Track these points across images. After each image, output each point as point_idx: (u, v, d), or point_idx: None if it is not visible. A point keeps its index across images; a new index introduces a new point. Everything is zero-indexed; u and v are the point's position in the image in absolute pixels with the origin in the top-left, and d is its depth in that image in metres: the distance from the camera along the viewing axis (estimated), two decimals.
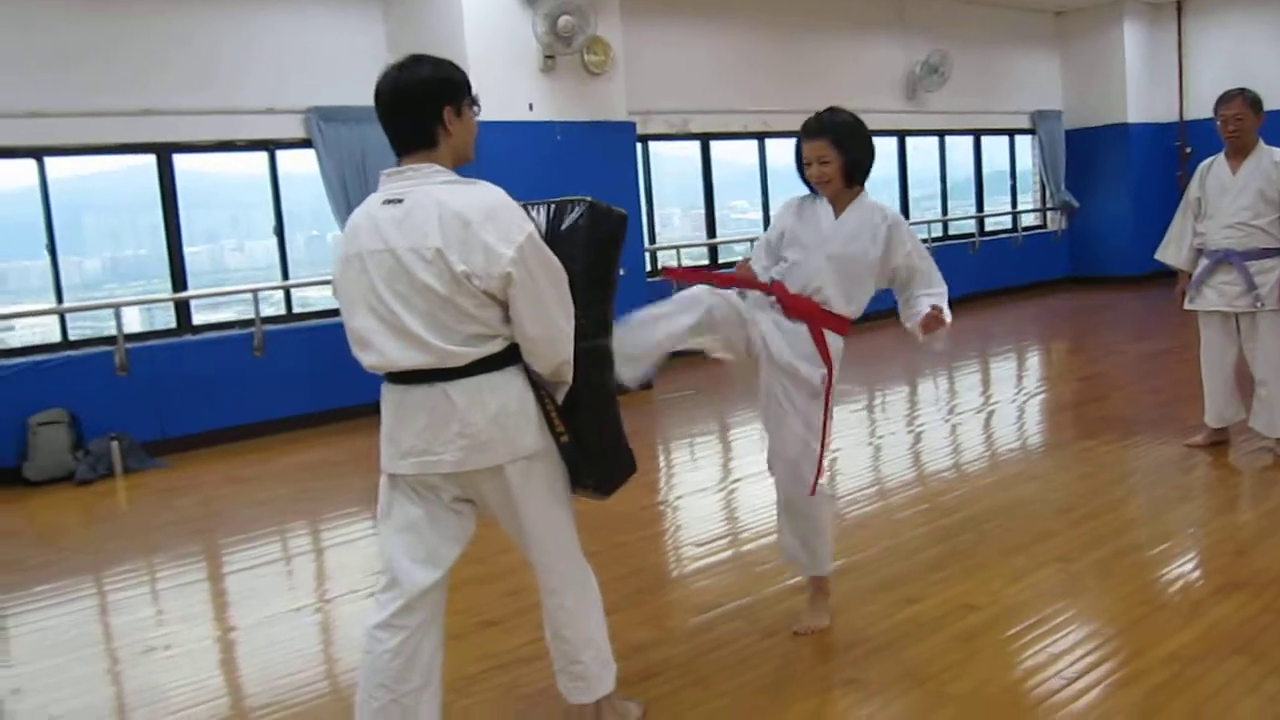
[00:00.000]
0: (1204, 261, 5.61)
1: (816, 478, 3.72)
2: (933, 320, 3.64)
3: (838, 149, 3.63)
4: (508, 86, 8.00)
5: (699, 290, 3.72)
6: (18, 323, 7.90)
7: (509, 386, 2.69)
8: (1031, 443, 6.66)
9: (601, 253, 2.88)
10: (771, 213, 11.70)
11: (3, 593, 4.94)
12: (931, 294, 3.73)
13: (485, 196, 2.63)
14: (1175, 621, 3.65)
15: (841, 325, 3.73)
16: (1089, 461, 5.80)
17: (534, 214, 2.83)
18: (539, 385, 2.75)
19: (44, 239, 7.50)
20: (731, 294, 3.74)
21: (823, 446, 3.73)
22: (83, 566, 5.32)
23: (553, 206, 2.87)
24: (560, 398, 2.79)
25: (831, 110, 3.73)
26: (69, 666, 3.98)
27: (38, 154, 7.38)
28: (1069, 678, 3.27)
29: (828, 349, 3.66)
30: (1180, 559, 4.32)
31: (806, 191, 3.83)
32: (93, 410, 7.30)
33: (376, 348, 2.66)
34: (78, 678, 3.88)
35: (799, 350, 3.67)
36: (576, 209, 2.84)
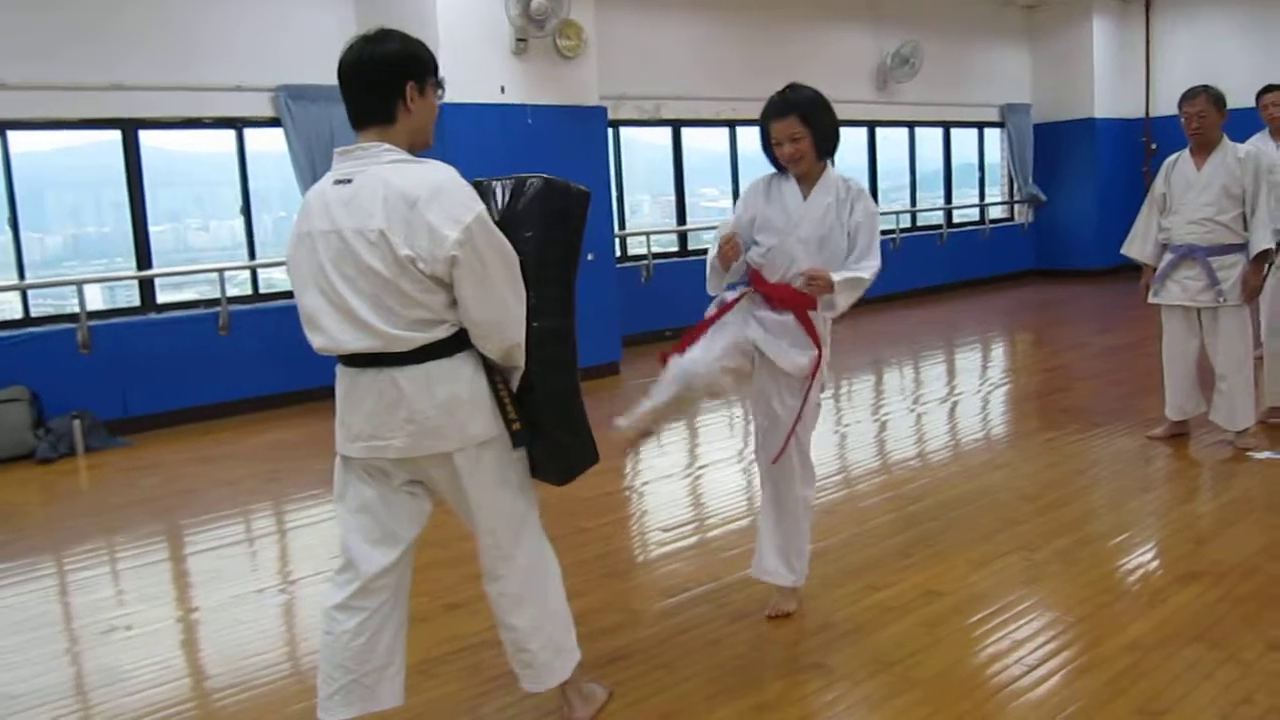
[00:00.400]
0: (1168, 256, 5.67)
1: (784, 448, 3.69)
2: (814, 278, 3.53)
3: (807, 124, 3.60)
4: (479, 68, 7.95)
5: (672, 372, 3.72)
6: None
7: (459, 373, 2.65)
8: (996, 433, 6.72)
9: (560, 231, 2.82)
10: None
11: None
12: (852, 272, 3.61)
13: (432, 175, 2.57)
14: (1135, 610, 3.70)
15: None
16: (1053, 452, 5.86)
17: (494, 191, 2.78)
18: (492, 370, 2.70)
19: (6, 213, 7.38)
20: (718, 339, 3.69)
21: (798, 420, 3.68)
22: (42, 546, 5.26)
23: (510, 184, 2.81)
24: (515, 383, 2.74)
25: (793, 87, 3.70)
26: (28, 646, 3.93)
27: (1, 127, 7.26)
28: (1031, 664, 3.31)
29: (815, 331, 3.66)
30: (1141, 548, 4.37)
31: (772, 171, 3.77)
32: (54, 388, 7.21)
33: (324, 329, 2.63)
34: (37, 657, 3.83)
35: (790, 340, 3.66)
36: (533, 185, 2.79)
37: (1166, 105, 13.72)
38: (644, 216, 11.59)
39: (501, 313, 2.61)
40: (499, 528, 2.81)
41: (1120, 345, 9.26)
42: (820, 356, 3.67)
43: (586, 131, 8.74)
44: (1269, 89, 6.69)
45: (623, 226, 10.64)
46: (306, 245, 2.63)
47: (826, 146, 3.69)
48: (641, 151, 11.16)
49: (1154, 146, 14.24)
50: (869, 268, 3.63)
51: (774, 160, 3.72)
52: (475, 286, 2.55)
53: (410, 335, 2.58)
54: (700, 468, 6.09)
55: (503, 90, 8.18)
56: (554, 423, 2.81)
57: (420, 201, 2.50)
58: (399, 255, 2.50)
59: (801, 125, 3.60)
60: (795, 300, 3.65)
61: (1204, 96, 5.50)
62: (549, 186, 2.79)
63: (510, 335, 2.65)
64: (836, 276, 3.54)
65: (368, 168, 2.58)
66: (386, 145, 2.62)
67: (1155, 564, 4.20)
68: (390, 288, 2.54)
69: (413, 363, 2.60)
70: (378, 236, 2.51)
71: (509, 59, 8.21)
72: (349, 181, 2.58)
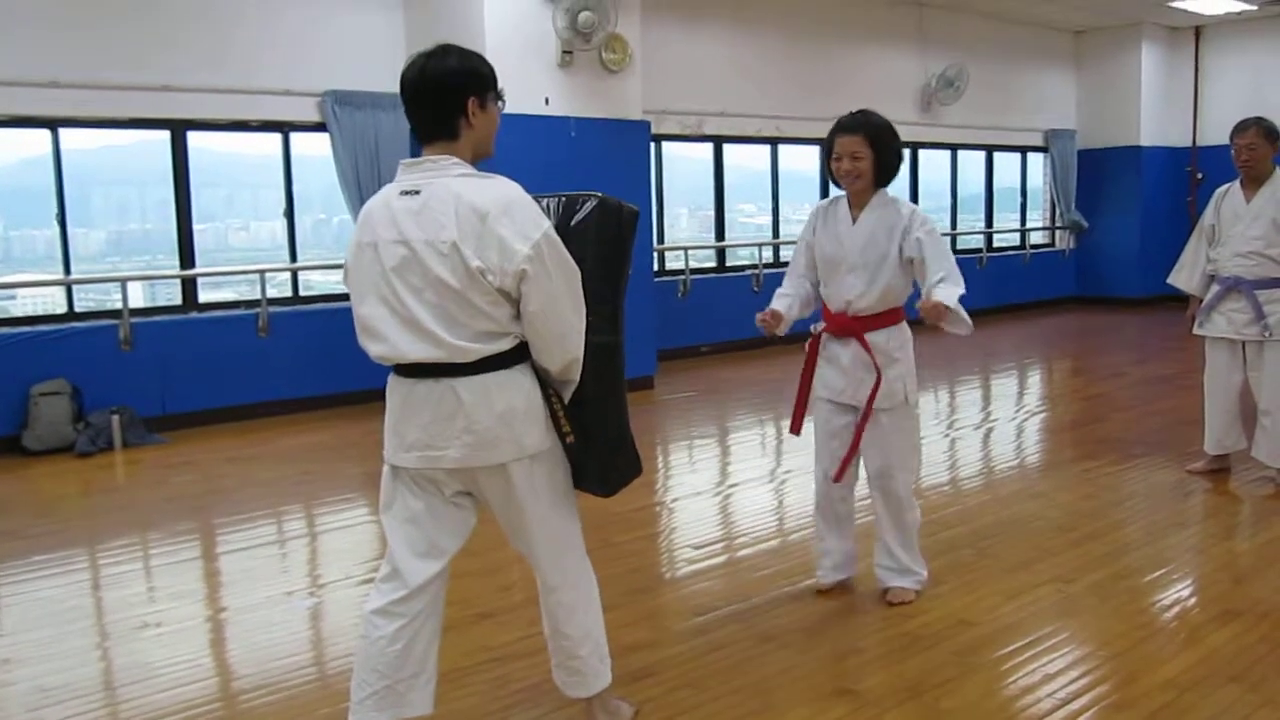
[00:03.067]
0: (1215, 288, 5.60)
1: (846, 463, 3.94)
2: (931, 308, 3.66)
3: (872, 147, 3.74)
4: (524, 80, 7.99)
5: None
6: (22, 292, 7.89)
7: (517, 385, 2.68)
8: (1031, 461, 6.65)
9: (612, 249, 2.86)
10: (781, 217, 11.72)
11: None
12: (943, 287, 3.73)
13: (503, 191, 2.61)
14: (1171, 648, 3.64)
15: (890, 318, 3.87)
16: (1089, 482, 5.79)
17: (547, 208, 2.81)
18: (546, 384, 2.74)
19: (54, 209, 7.49)
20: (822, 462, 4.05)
21: (857, 441, 3.90)
22: (78, 539, 5.31)
23: (563, 200, 2.85)
24: (567, 396, 2.78)
25: (865, 111, 3.87)
26: (61, 639, 3.97)
27: (53, 124, 7.37)
28: (1062, 699, 3.26)
29: (874, 356, 3.80)
30: (1178, 585, 4.31)
31: (829, 196, 3.93)
32: (95, 383, 7.30)
33: (386, 338, 2.66)
34: (69, 650, 3.86)
35: (854, 370, 3.86)
36: (587, 204, 2.82)
37: (1214, 135, 13.66)
38: (682, 231, 11.60)
39: (564, 326, 2.64)
40: (553, 538, 2.84)
41: (1160, 376, 9.15)
42: (878, 380, 3.81)
43: (629, 145, 8.76)
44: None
45: (661, 241, 10.64)
46: (369, 254, 2.65)
47: (885, 174, 3.80)
48: (682, 166, 11.17)
49: (1200, 176, 14.11)
50: (957, 280, 3.76)
51: (830, 175, 3.86)
52: (543, 301, 2.58)
53: (474, 347, 2.61)
54: (732, 486, 6.06)
55: (547, 102, 8.22)
56: (603, 436, 2.84)
57: (491, 216, 2.54)
58: (470, 267, 2.53)
59: (866, 146, 3.74)
60: (852, 328, 3.82)
61: (1255, 129, 5.44)
62: (603, 206, 2.82)
63: (571, 349, 2.68)
64: (948, 301, 3.68)
65: (436, 180, 2.61)
66: (454, 159, 2.65)
67: (1193, 601, 4.13)
68: (459, 299, 2.56)
69: (472, 373, 2.62)
70: (450, 248, 2.53)
71: (554, 71, 8.24)
72: (417, 193, 2.61)
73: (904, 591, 4.02)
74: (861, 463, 4.02)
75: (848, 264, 3.80)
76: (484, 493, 2.78)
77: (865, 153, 3.73)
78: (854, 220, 3.83)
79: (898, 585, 4.03)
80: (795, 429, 4.09)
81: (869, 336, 3.83)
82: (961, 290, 3.75)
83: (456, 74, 2.66)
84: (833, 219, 3.89)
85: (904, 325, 3.93)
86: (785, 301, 3.98)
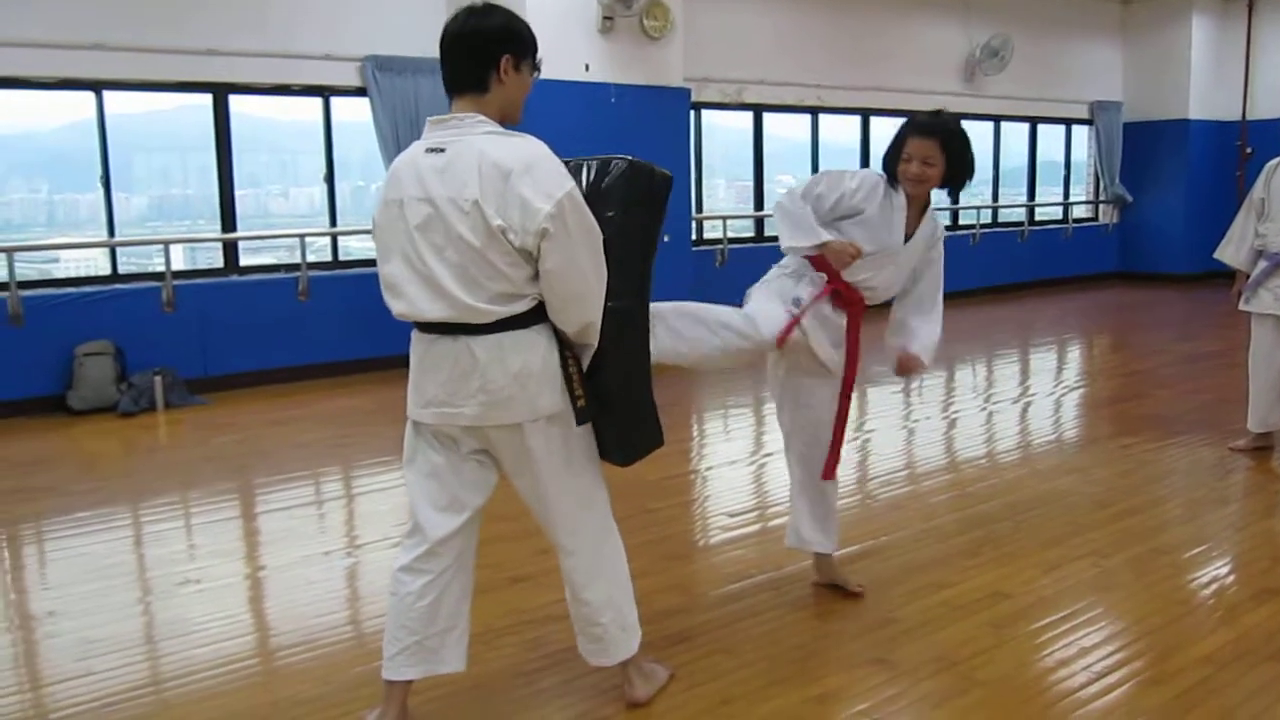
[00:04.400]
0: (1263, 264, 5.51)
1: (832, 463, 3.76)
2: (909, 364, 3.73)
3: (946, 155, 3.54)
4: (565, 46, 7.96)
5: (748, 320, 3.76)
6: (66, 254, 7.99)
7: (533, 346, 2.67)
8: (1069, 436, 6.59)
9: (640, 213, 2.83)
10: None
11: (44, 517, 5.03)
12: (926, 327, 3.75)
13: (527, 149, 2.59)
14: (1208, 625, 3.61)
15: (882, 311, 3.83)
16: (1128, 459, 5.74)
17: (579, 170, 2.80)
18: (565, 346, 2.73)
19: (98, 172, 7.56)
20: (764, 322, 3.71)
21: (840, 434, 3.76)
22: (121, 496, 5.40)
23: (595, 164, 2.83)
24: (586, 360, 2.77)
25: (941, 112, 3.63)
26: (104, 593, 4.04)
27: (97, 87, 7.43)
28: (1097, 673, 3.24)
29: (858, 343, 3.70)
30: (1216, 562, 4.26)
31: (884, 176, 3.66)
32: (138, 344, 7.39)
33: (406, 296, 2.66)
34: (112, 605, 3.93)
35: (833, 338, 3.69)
36: (618, 166, 2.80)
37: (1266, 109, 13.41)
38: (719, 200, 11.54)
39: (583, 288, 2.63)
40: (567, 501, 2.83)
41: (1203, 353, 9.03)
42: (854, 368, 3.73)
43: (669, 112, 8.72)
44: None
45: (700, 210, 10.60)
46: (394, 212, 2.66)
47: (955, 182, 3.63)
48: (721, 135, 11.10)
49: (1249, 151, 13.84)
50: (940, 320, 3.80)
51: (892, 172, 3.62)
52: (561, 261, 2.56)
53: (490, 308, 2.60)
54: (766, 455, 6.05)
55: (587, 68, 8.19)
56: (621, 403, 2.83)
57: (514, 174, 2.52)
58: (491, 225, 2.52)
59: (941, 153, 3.54)
60: (853, 301, 3.68)
61: None
62: (633, 168, 2.80)
63: (589, 312, 2.66)
64: (924, 356, 3.73)
65: (462, 138, 2.60)
66: (480, 116, 2.64)
67: (1231, 579, 4.09)
68: (478, 258, 2.56)
69: (488, 333, 2.62)
70: (471, 206, 2.53)
71: (595, 37, 8.21)
72: (442, 150, 2.60)
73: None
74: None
75: (894, 260, 3.64)
76: (498, 452, 2.79)
77: (938, 159, 3.53)
78: (909, 220, 3.64)
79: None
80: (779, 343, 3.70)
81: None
82: (939, 332, 3.78)
83: (497, 29, 2.66)
84: (889, 208, 3.62)
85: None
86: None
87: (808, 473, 3.83)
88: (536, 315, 2.67)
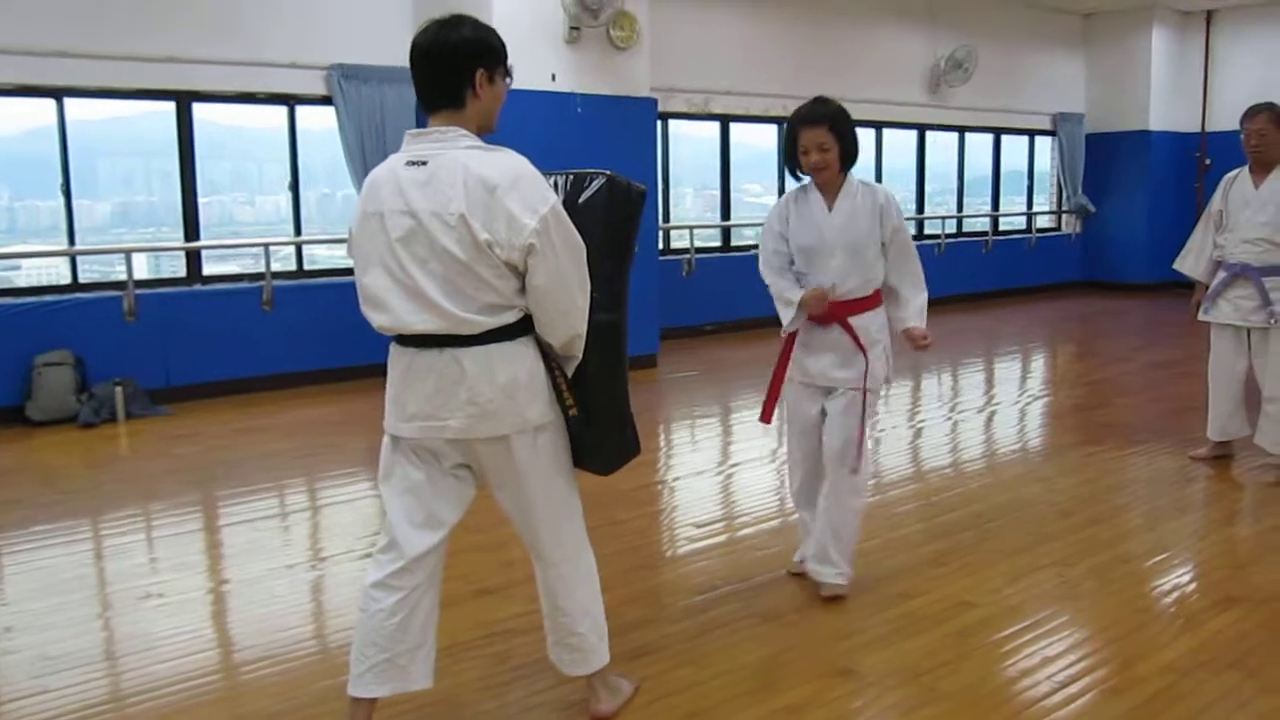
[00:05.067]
0: (1221, 274, 5.58)
1: (859, 455, 3.83)
2: (916, 338, 3.87)
3: (836, 135, 3.74)
4: (532, 55, 7.95)
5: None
6: (27, 263, 7.88)
7: (520, 357, 2.68)
8: (1033, 445, 6.65)
9: (618, 228, 2.86)
10: None
11: (1, 530, 4.95)
12: (917, 299, 3.89)
13: (511, 164, 2.61)
14: (1170, 633, 3.65)
15: (872, 301, 3.87)
16: (1091, 467, 5.79)
17: (555, 184, 2.80)
18: (549, 357, 2.74)
19: (59, 179, 7.48)
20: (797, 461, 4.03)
21: (863, 430, 3.83)
22: (81, 509, 5.32)
23: (571, 178, 2.84)
24: (570, 371, 2.78)
25: (821, 99, 3.84)
26: (63, 608, 3.98)
27: (58, 94, 7.35)
28: (1061, 682, 3.27)
29: (860, 341, 3.80)
30: (1178, 570, 4.31)
31: (793, 185, 3.94)
32: (98, 354, 7.31)
33: (389, 308, 2.65)
34: (71, 620, 3.88)
35: (838, 356, 3.84)
36: (595, 182, 2.82)
37: (1223, 121, 13.59)
38: (687, 209, 11.57)
39: (568, 302, 2.65)
40: (552, 512, 2.84)
41: (1165, 362, 9.14)
42: (867, 364, 3.80)
43: (635, 122, 8.73)
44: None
45: (666, 219, 10.62)
46: (374, 224, 2.65)
47: (850, 158, 3.82)
48: (688, 145, 11.14)
49: (1208, 162, 14.05)
50: (921, 284, 3.90)
51: (794, 169, 3.85)
52: (547, 275, 2.58)
53: (478, 319, 2.61)
54: (733, 465, 6.06)
55: (554, 78, 8.19)
56: (603, 414, 2.84)
57: (500, 189, 2.54)
58: (478, 239, 2.53)
59: (830, 135, 3.73)
60: (835, 313, 3.81)
61: (1265, 115, 5.41)
62: (611, 184, 2.82)
63: (574, 324, 2.68)
64: (917, 323, 3.85)
65: (444, 151, 2.60)
66: (461, 130, 2.64)
67: (1192, 587, 4.14)
68: (465, 271, 2.56)
69: (476, 344, 2.62)
70: (457, 220, 2.53)
71: (562, 47, 8.21)
72: (424, 164, 2.60)
73: (835, 586, 3.91)
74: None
75: (828, 249, 3.78)
76: (484, 465, 2.78)
77: (831, 143, 3.72)
78: (830, 207, 3.81)
79: (831, 582, 3.92)
80: (766, 418, 4.03)
81: (853, 320, 3.81)
82: (925, 295, 3.90)
83: (468, 43, 2.65)
84: (805, 209, 3.85)
85: (882, 307, 3.92)
86: (791, 286, 3.91)
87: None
88: (523, 327, 2.68)
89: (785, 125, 3.87)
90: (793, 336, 3.92)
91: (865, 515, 4.14)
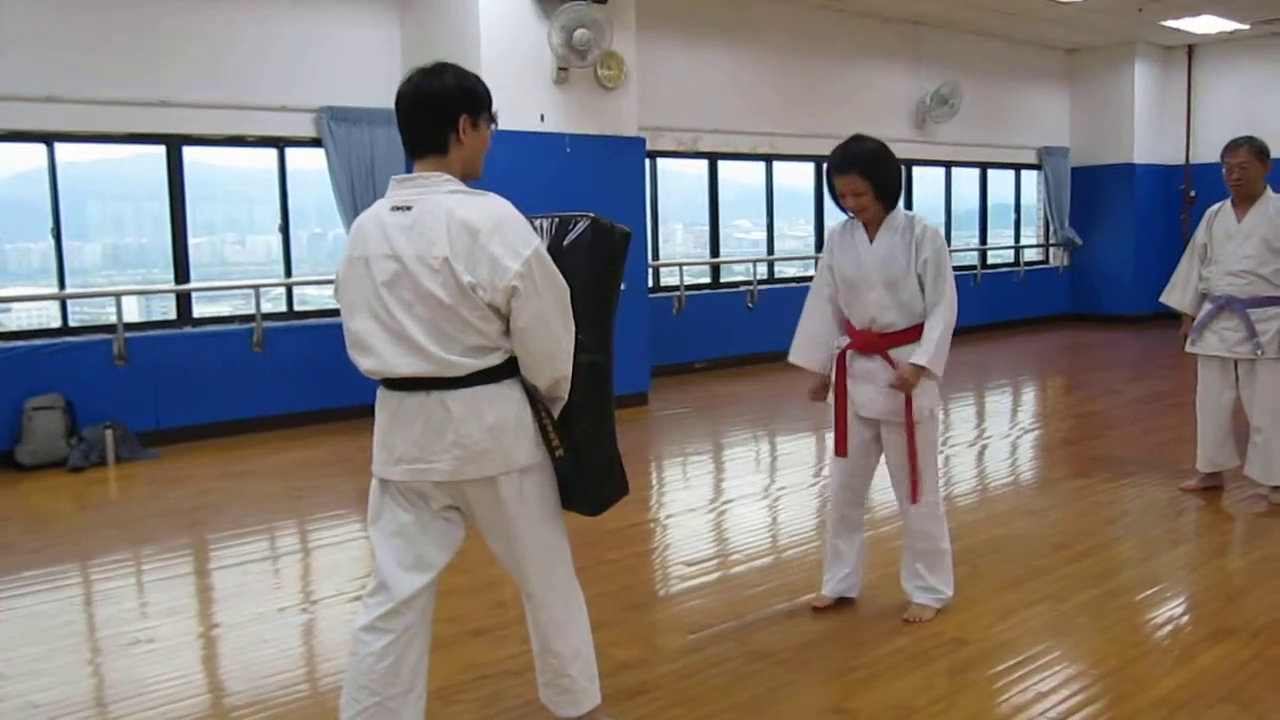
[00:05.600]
0: (1207, 306, 5.62)
1: (914, 486, 3.92)
2: (904, 382, 3.84)
3: (868, 179, 3.76)
4: (520, 96, 8.02)
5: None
6: (16, 306, 7.89)
7: (507, 399, 2.69)
8: (1025, 478, 6.66)
9: (603, 269, 2.88)
10: (776, 233, 11.76)
11: None
12: (932, 332, 3.86)
13: (494, 208, 2.63)
14: (1164, 666, 3.64)
15: (914, 334, 3.90)
16: (1082, 500, 5.80)
17: (539, 228, 2.83)
18: (535, 399, 2.75)
19: (49, 223, 7.49)
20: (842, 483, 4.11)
21: (913, 456, 3.91)
22: (71, 554, 5.30)
23: (556, 220, 2.87)
24: (556, 413, 2.79)
25: (856, 139, 3.87)
26: (52, 655, 3.96)
27: (49, 139, 7.38)
28: (1054, 717, 3.26)
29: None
30: (1170, 603, 4.31)
31: (846, 217, 3.99)
32: (88, 397, 7.29)
33: (376, 352, 2.66)
34: (60, 666, 3.85)
35: (878, 386, 3.90)
36: (579, 225, 2.84)
37: (1207, 153, 13.71)
38: (676, 246, 11.62)
39: (553, 344, 2.66)
40: (540, 553, 2.84)
41: (1154, 394, 9.17)
42: (909, 397, 3.86)
43: (624, 161, 8.78)
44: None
45: (656, 257, 10.66)
46: (359, 269, 2.67)
47: (889, 197, 3.83)
48: (676, 181, 11.20)
49: (1193, 194, 14.17)
50: (942, 316, 3.87)
51: (841, 208, 3.91)
52: (531, 317, 2.60)
53: (464, 361, 2.62)
54: (726, 502, 6.06)
55: (542, 118, 8.24)
56: (590, 455, 2.85)
57: (483, 233, 2.56)
58: (461, 282, 2.55)
59: (863, 180, 3.76)
60: (877, 345, 3.88)
61: (1246, 148, 5.47)
62: (595, 227, 2.84)
63: (560, 367, 2.70)
64: (920, 359, 3.80)
65: (428, 196, 2.63)
66: (445, 175, 2.67)
67: (1185, 619, 4.14)
68: (449, 314, 2.58)
69: (462, 387, 2.63)
70: (441, 264, 2.55)
71: (550, 87, 8.27)
72: (408, 209, 2.62)
73: (922, 609, 4.04)
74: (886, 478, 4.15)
75: (868, 283, 3.85)
76: (472, 507, 2.78)
77: (865, 187, 3.76)
78: (871, 240, 3.87)
79: (918, 603, 4.06)
80: (841, 451, 4.05)
81: (893, 353, 3.86)
82: (937, 333, 3.86)
83: (451, 91, 2.68)
84: (849, 241, 3.93)
85: None
86: (806, 353, 4.09)
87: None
88: (508, 369, 2.70)
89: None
90: (841, 367, 3.97)
91: (868, 550, 4.20)
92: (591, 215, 2.86)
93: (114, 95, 7.47)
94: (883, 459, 4.07)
